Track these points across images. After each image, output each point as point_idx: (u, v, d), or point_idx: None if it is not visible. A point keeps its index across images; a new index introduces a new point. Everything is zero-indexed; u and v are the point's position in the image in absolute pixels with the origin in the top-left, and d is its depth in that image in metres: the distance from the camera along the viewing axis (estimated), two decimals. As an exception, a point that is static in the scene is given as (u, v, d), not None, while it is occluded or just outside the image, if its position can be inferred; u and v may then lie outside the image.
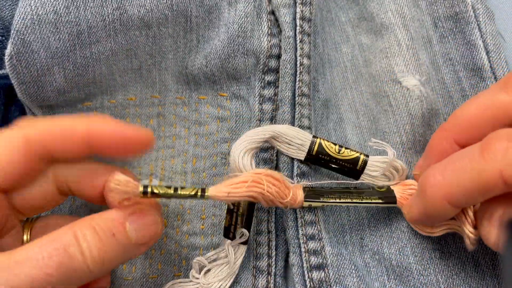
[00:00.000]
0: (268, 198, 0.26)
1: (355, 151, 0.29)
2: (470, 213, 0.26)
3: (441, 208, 0.24)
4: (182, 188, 0.25)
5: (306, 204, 0.28)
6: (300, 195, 0.28)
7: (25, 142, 0.23)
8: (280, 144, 0.29)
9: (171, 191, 0.24)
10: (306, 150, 0.29)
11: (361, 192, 0.29)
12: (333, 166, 0.29)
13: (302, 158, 0.30)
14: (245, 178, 0.26)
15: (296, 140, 0.29)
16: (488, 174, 0.22)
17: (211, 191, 0.25)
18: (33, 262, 0.21)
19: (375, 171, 0.29)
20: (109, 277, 0.29)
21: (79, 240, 0.22)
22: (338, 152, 0.29)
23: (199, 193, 0.25)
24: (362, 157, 0.29)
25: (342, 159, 0.29)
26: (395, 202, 0.28)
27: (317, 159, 0.29)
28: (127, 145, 0.25)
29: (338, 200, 0.28)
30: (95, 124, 0.24)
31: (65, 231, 0.22)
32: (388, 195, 0.29)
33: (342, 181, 0.30)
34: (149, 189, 0.24)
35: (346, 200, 0.28)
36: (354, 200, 0.28)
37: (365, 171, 0.29)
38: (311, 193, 0.29)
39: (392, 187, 0.29)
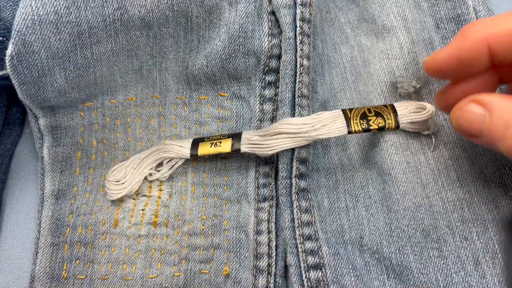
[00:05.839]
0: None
1: (380, 106, 0.30)
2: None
3: (477, 50, 0.24)
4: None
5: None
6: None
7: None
8: (319, 133, 0.29)
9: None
10: (345, 125, 0.29)
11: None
12: (374, 126, 0.29)
13: (345, 133, 0.29)
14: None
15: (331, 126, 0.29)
16: None
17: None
18: None
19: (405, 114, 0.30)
20: None
21: None
22: (370, 112, 0.30)
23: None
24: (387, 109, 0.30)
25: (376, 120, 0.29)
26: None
27: (358, 128, 0.29)
28: None
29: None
30: None
31: None
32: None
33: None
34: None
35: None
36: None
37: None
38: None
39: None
